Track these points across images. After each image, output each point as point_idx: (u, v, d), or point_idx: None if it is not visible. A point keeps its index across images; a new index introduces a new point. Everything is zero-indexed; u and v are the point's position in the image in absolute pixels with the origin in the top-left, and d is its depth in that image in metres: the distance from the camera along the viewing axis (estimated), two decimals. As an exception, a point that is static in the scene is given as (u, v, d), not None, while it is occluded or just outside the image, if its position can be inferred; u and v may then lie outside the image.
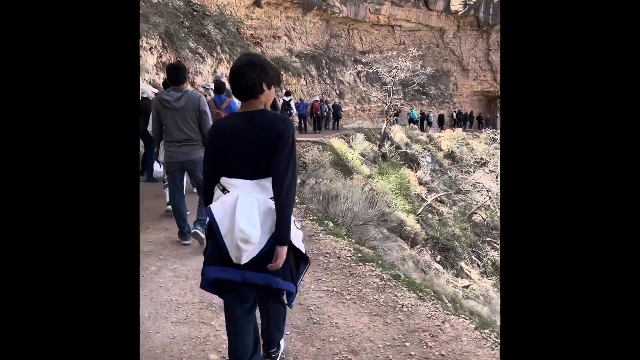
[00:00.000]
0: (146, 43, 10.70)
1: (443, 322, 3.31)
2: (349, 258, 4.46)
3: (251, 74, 2.11)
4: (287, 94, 14.86)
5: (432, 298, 3.73)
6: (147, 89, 8.35)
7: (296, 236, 2.18)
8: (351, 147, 16.46)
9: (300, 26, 31.51)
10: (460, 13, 39.70)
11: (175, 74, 4.48)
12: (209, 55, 13.82)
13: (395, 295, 3.67)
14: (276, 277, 2.10)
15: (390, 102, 22.21)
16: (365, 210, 6.42)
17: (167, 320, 3.23)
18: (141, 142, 9.10)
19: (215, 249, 2.13)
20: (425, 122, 31.68)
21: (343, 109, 28.39)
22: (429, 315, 3.41)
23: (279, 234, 2.06)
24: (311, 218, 6.08)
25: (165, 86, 6.57)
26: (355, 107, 33.10)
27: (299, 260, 2.22)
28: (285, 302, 2.32)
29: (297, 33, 31.43)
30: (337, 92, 31.32)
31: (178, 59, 12.19)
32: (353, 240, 5.33)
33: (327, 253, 4.62)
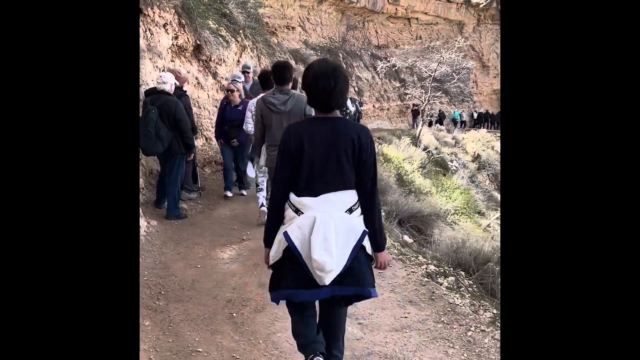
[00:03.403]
0: (159, 17, 7.77)
1: None
2: None
3: (343, 90, 2.11)
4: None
5: None
6: (168, 78, 5.41)
7: (368, 244, 2.17)
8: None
9: (315, 16, 28.81)
10: (481, 5, 37.01)
11: (282, 74, 4.20)
12: (233, 39, 10.88)
13: None
14: (366, 287, 2.13)
15: (427, 101, 19.38)
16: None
17: None
18: (155, 159, 6.17)
19: (300, 272, 2.09)
20: (459, 122, 29.56)
21: (362, 108, 25.68)
22: None
23: (378, 242, 2.22)
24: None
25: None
26: (373, 106, 30.29)
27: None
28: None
29: (311, 24, 28.74)
30: (356, 88, 28.45)
31: (198, 41, 9.25)
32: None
33: None
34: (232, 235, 5.11)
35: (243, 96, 6.68)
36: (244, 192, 6.74)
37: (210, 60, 9.81)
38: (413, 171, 11.46)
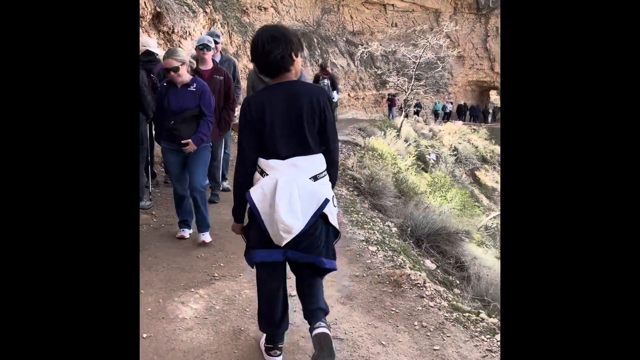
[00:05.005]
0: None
1: None
2: None
3: (277, 49, 2.07)
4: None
5: None
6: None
7: (332, 213, 2.18)
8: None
9: (288, -3, 27.08)
10: (458, -6, 36.05)
11: None
12: (200, 9, 9.18)
13: None
14: (320, 257, 2.14)
15: (411, 90, 18.06)
16: None
17: None
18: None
19: (259, 233, 2.13)
20: (442, 114, 28.76)
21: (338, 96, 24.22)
22: None
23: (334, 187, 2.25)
24: None
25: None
26: (349, 95, 28.83)
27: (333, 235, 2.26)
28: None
29: (284, 5, 27.06)
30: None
31: (157, 8, 7.55)
32: None
33: None
34: (197, 269, 3.56)
35: (210, 65, 4.78)
36: (205, 237, 4.03)
37: (172, 32, 8.13)
38: (407, 168, 10.08)
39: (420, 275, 3.33)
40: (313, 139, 2.13)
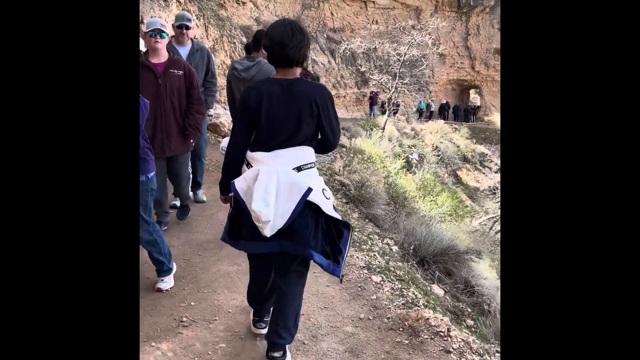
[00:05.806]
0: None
1: None
2: None
3: (301, 44, 2.09)
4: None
5: None
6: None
7: (325, 203, 2.14)
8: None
9: (267, -9, 26.28)
10: (439, -9, 35.77)
11: (257, 40, 3.73)
12: (173, -1, 8.39)
13: None
14: (310, 249, 2.11)
15: (395, 88, 17.47)
16: None
17: None
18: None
19: (250, 224, 2.12)
20: (425, 112, 28.61)
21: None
22: None
23: None
24: None
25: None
26: (329, 93, 28.21)
27: (340, 230, 2.18)
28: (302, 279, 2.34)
29: (264, 0, 26.20)
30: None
31: (123, -6, 6.70)
32: None
33: None
34: (161, 311, 2.84)
35: (165, 57, 3.60)
36: (162, 284, 3.07)
37: (141, 22, 7.34)
38: (397, 172, 9.46)
39: (442, 320, 2.67)
40: (307, 135, 2.15)
